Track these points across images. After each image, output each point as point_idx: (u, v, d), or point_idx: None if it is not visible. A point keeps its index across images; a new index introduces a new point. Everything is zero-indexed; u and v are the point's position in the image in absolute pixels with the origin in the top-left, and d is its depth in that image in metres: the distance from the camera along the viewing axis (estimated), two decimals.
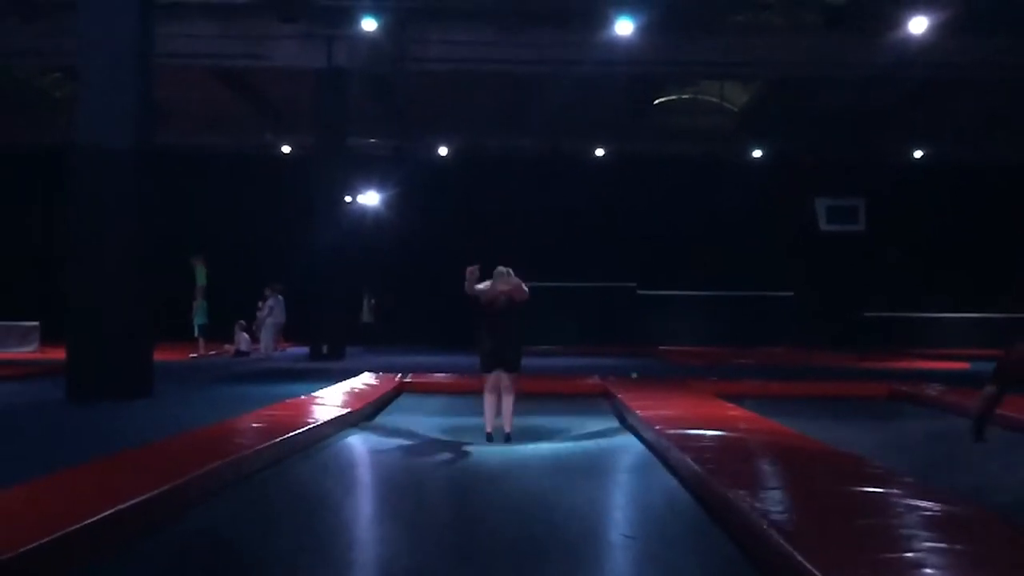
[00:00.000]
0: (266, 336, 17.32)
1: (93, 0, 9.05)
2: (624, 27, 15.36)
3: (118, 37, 8.99)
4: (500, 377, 7.12)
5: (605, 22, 15.50)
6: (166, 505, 3.95)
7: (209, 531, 3.97)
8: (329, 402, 7.93)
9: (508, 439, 7.06)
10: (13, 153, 22.02)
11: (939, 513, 3.65)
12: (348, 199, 18.98)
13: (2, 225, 21.96)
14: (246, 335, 17.51)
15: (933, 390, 9.84)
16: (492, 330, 7.15)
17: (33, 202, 21.71)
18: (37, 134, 21.27)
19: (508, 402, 7.17)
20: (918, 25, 14.96)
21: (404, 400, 9.71)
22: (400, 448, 6.64)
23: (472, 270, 6.94)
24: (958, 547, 3.15)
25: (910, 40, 15.27)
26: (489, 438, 7.06)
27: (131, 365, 8.95)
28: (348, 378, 10.26)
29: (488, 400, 7.22)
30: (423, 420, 8.01)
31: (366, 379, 10.33)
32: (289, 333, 18.90)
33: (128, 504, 3.66)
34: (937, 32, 15.13)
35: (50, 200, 18.51)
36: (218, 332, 17.34)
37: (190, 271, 16.52)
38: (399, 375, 10.85)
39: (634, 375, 11.39)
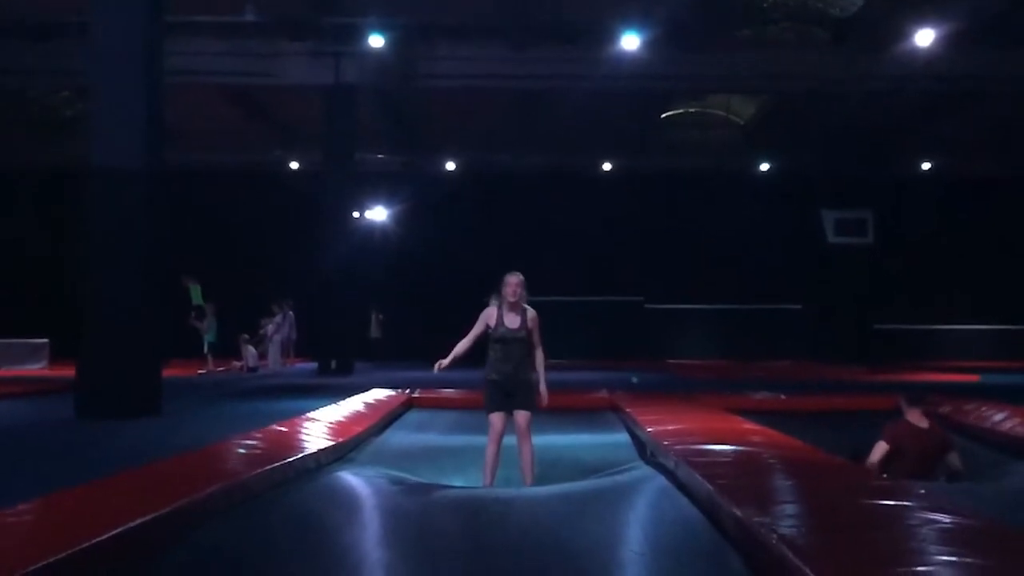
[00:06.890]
0: (273, 352, 17.36)
1: (103, 19, 9.10)
2: (630, 42, 15.43)
3: (128, 56, 9.04)
4: (512, 419, 6.01)
5: (612, 37, 15.57)
6: (169, 526, 3.91)
7: (211, 553, 3.92)
8: (336, 418, 7.87)
9: None
10: (24, 171, 22.19)
11: (953, 527, 3.61)
12: (356, 214, 19.03)
13: (13, 242, 22.08)
14: (253, 349, 17.53)
15: (942, 402, 9.72)
16: (503, 357, 6.03)
17: (44, 220, 21.82)
18: (48, 153, 21.41)
19: (526, 450, 5.99)
20: (924, 38, 14.99)
21: (412, 415, 9.67)
22: (406, 466, 6.58)
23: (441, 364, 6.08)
24: (974, 561, 3.11)
25: (917, 53, 15.30)
26: None
27: (140, 383, 8.97)
28: (356, 393, 10.24)
29: (489, 450, 5.91)
30: (431, 436, 7.97)
31: (374, 394, 10.28)
32: (298, 348, 18.94)
33: (130, 525, 3.62)
34: (943, 45, 15.15)
35: (61, 218, 18.59)
36: (224, 348, 17.37)
37: (186, 291, 16.50)
38: (407, 390, 10.82)
39: (634, 379, 11.15)
